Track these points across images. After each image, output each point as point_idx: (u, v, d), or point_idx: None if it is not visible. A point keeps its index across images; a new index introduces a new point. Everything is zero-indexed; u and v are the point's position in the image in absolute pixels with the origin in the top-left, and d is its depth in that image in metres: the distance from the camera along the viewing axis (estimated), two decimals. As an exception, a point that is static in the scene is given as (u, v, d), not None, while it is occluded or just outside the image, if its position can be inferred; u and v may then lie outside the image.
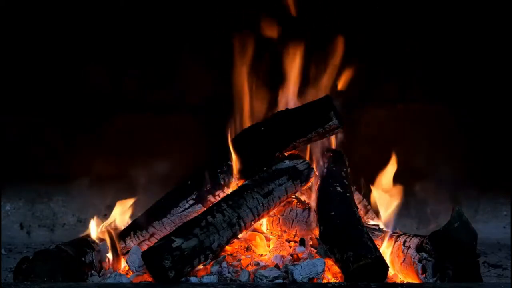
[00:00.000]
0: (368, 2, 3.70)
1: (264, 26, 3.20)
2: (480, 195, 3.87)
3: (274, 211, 2.78)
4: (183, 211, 2.76)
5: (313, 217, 2.78)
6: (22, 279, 2.42)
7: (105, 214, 2.92)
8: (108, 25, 3.70)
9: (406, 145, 3.66)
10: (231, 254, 2.65)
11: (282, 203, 2.78)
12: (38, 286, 2.31)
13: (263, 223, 2.86)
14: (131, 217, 2.94)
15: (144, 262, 2.45)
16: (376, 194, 2.97)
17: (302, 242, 2.72)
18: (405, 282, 2.56)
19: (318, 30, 3.45)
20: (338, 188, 2.78)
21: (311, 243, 2.71)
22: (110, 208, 3.07)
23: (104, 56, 3.73)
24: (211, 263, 2.51)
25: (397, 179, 3.05)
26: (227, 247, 2.63)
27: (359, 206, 2.85)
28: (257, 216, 2.65)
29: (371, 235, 2.57)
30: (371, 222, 2.91)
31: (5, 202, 3.77)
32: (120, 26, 3.70)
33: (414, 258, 2.52)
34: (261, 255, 2.71)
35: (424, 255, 2.48)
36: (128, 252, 2.69)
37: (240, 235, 2.66)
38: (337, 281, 2.49)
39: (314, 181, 2.86)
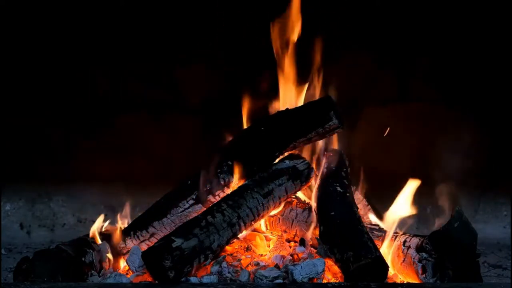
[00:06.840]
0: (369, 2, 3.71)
1: None
2: (480, 195, 3.87)
3: (274, 211, 2.78)
4: (183, 211, 2.76)
5: (313, 217, 2.78)
6: (22, 279, 2.42)
7: (105, 214, 2.92)
8: (108, 26, 3.70)
9: (406, 144, 3.66)
10: (231, 254, 2.65)
11: (282, 203, 2.78)
12: (38, 286, 2.31)
13: (263, 223, 2.86)
14: (131, 217, 2.94)
15: (144, 262, 2.45)
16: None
17: (302, 242, 2.72)
18: (405, 282, 2.56)
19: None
20: (338, 188, 2.78)
21: (311, 243, 2.71)
22: (110, 208, 3.07)
23: (104, 57, 3.74)
24: (211, 263, 2.51)
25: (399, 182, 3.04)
26: (227, 247, 2.63)
27: (359, 206, 2.85)
28: (257, 216, 2.65)
29: (371, 235, 2.57)
30: (371, 222, 2.91)
31: (5, 202, 3.77)
32: (120, 26, 3.71)
33: (414, 258, 2.52)
34: (261, 255, 2.71)
35: (424, 255, 2.48)
36: (128, 252, 2.69)
37: (240, 235, 2.66)
38: (337, 281, 2.49)
39: (314, 181, 2.86)
